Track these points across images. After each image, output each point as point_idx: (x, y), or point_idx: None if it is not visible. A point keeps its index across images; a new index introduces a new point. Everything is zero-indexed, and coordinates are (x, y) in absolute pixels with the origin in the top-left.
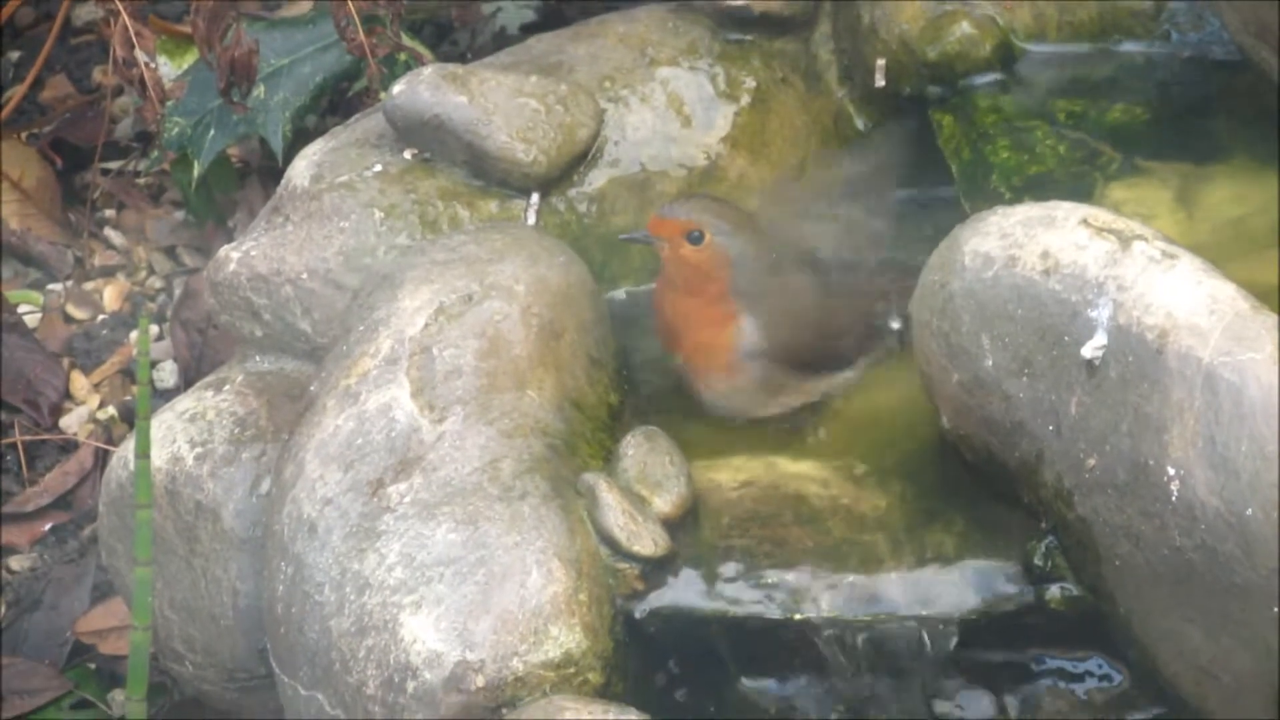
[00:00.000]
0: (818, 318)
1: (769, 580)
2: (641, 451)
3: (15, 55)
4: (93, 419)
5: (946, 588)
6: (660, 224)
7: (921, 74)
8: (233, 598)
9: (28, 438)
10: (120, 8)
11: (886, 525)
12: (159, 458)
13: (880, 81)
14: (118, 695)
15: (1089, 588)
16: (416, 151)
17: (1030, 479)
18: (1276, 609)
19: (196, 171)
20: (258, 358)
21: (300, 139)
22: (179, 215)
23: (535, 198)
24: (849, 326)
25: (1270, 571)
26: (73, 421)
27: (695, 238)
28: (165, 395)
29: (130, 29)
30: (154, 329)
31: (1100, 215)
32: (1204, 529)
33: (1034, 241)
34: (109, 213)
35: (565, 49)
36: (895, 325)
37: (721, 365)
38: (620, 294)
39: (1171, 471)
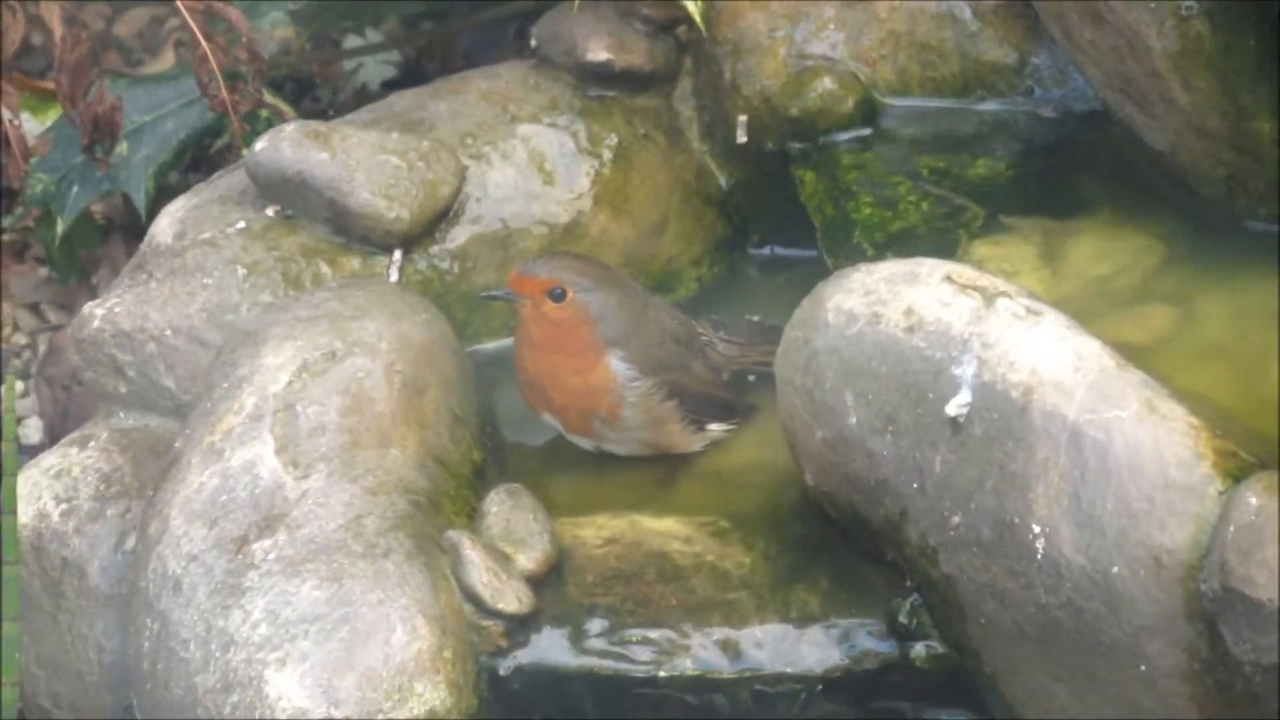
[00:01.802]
0: (686, 360)
1: (633, 638)
2: (505, 509)
3: None
4: None
5: (811, 645)
6: (522, 281)
7: (784, 130)
8: (98, 654)
9: None
10: None
11: (750, 583)
12: (25, 514)
13: (742, 138)
14: None
15: (954, 645)
16: (279, 208)
17: (894, 536)
18: (1142, 667)
19: (60, 228)
20: (122, 414)
21: (163, 196)
22: (43, 272)
23: (397, 254)
24: (716, 374)
25: (1136, 629)
26: None
27: (557, 295)
28: (30, 452)
29: None
30: (19, 385)
31: (964, 272)
32: (1069, 587)
33: (898, 298)
34: None
35: (427, 105)
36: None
37: (597, 407)
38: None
39: (1037, 529)
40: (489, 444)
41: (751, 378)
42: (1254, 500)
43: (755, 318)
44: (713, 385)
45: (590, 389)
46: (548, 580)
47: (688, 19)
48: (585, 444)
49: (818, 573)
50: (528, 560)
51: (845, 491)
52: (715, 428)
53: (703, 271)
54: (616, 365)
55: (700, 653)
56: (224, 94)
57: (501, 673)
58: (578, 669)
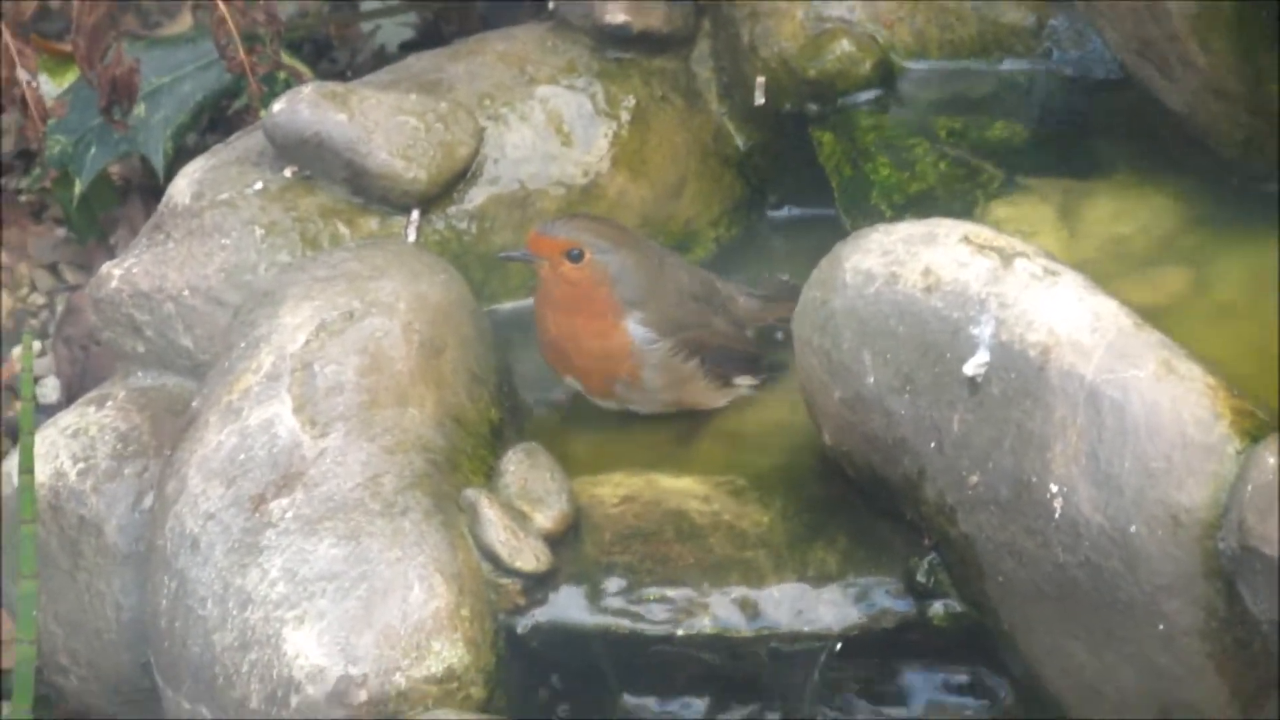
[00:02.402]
0: (706, 316)
1: (651, 596)
2: (523, 467)
3: None
4: None
5: (828, 604)
6: (540, 242)
7: (801, 92)
8: (116, 612)
9: None
10: (2, 26)
11: (768, 541)
12: (42, 473)
13: (760, 99)
14: (4, 708)
15: (972, 604)
16: (297, 169)
17: (912, 495)
18: (1160, 625)
19: (78, 189)
20: (140, 374)
21: (181, 157)
22: (61, 232)
23: (415, 215)
24: (739, 329)
25: (1154, 588)
26: None
27: (575, 255)
28: (48, 411)
29: (12, 48)
30: (37, 345)
31: (982, 232)
32: (1088, 545)
33: (915, 259)
34: None
35: (445, 67)
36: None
37: (618, 370)
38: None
39: (1054, 488)
40: (506, 403)
41: (780, 335)
42: (1272, 459)
43: (785, 276)
44: (735, 339)
45: (609, 353)
46: (565, 539)
47: None
48: (610, 405)
49: (836, 531)
50: (545, 519)
51: (863, 451)
52: (742, 382)
53: (720, 232)
54: (634, 329)
55: (718, 611)
56: (242, 55)
57: (519, 631)
58: (595, 627)
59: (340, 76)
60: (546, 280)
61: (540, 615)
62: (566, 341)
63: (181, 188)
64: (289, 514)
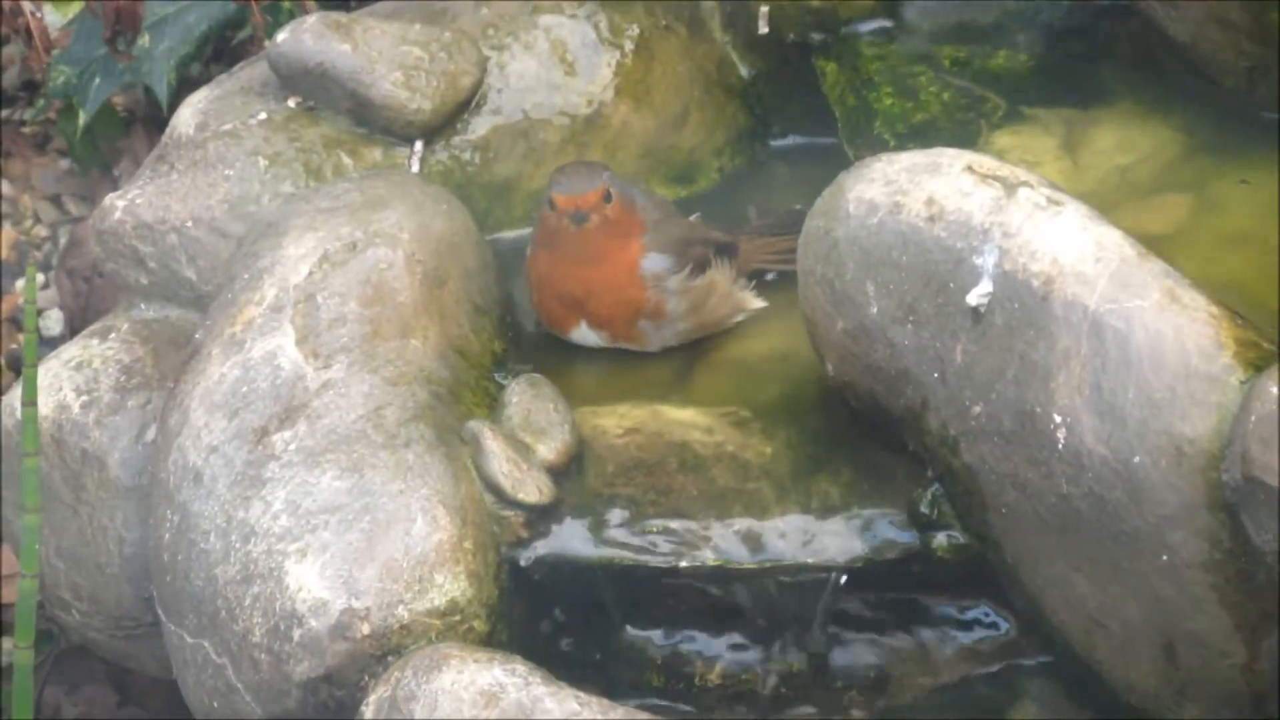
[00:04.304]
0: (700, 229)
1: (654, 528)
2: (525, 399)
3: None
4: None
5: (832, 535)
6: (581, 200)
7: (805, 20)
8: (119, 545)
9: None
10: None
11: (772, 473)
12: (45, 406)
13: (763, 28)
14: (5, 643)
15: (975, 535)
16: (300, 99)
17: (916, 426)
18: (1164, 557)
19: (82, 120)
20: (143, 305)
21: (185, 87)
22: (64, 164)
23: (419, 145)
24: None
25: (1158, 519)
26: None
27: (609, 197)
28: (51, 343)
29: None
30: (40, 278)
31: (985, 162)
32: (1091, 477)
33: (919, 188)
34: None
35: None
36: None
37: (643, 304)
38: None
39: (1058, 419)
40: (509, 334)
41: (770, 276)
42: (1275, 389)
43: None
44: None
45: (634, 286)
46: (568, 470)
47: None
48: (631, 346)
49: (839, 463)
50: (548, 450)
51: (866, 381)
52: (752, 300)
53: (724, 162)
54: (653, 258)
55: (721, 543)
56: None
57: (522, 563)
58: (598, 559)
59: (344, 6)
60: (568, 235)
61: (543, 548)
62: (586, 291)
63: (185, 118)
64: (292, 446)
